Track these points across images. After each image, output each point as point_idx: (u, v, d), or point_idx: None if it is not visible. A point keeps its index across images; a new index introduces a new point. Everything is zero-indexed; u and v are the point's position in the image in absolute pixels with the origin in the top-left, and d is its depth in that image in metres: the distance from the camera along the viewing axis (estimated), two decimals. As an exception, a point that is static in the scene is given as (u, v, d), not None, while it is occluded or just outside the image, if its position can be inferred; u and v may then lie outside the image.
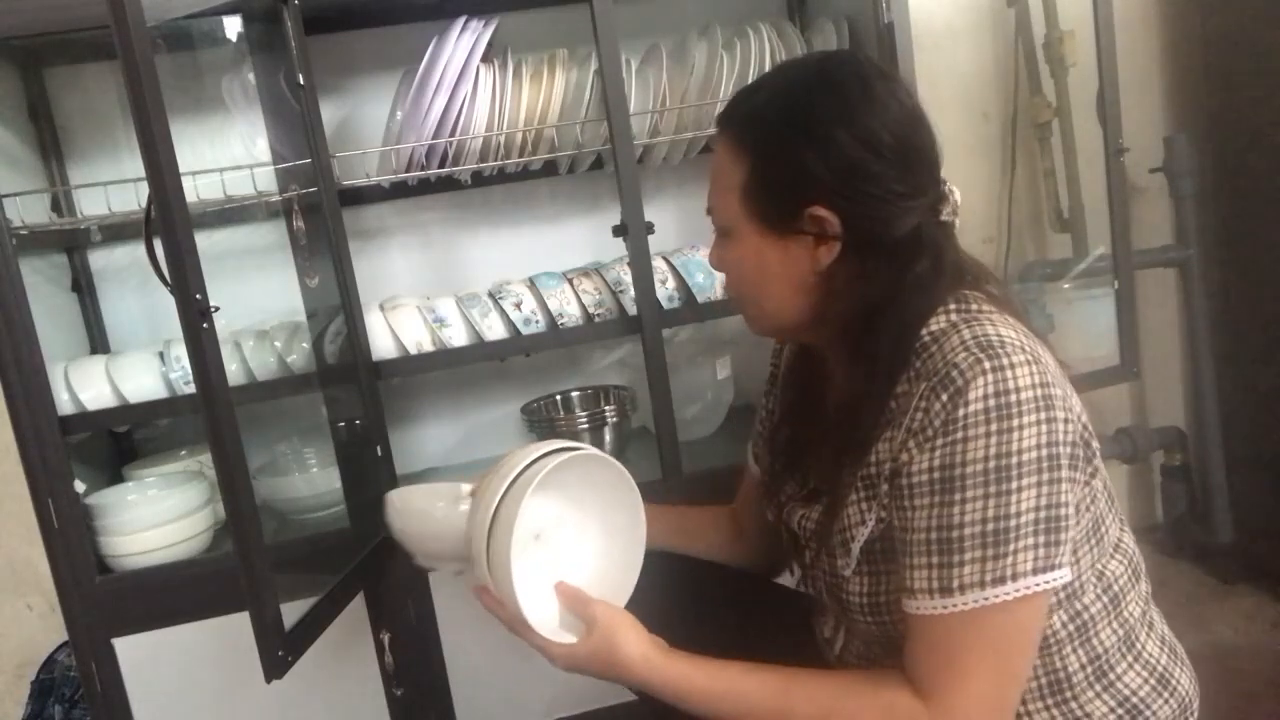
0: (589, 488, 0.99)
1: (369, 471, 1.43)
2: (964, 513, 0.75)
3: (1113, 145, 1.70)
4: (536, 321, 1.53)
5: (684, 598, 1.13)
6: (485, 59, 1.47)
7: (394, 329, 1.50)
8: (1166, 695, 0.88)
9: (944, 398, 0.76)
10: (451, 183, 1.67)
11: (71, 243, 1.64)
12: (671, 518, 1.18)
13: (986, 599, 0.74)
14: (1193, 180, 1.98)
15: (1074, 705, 0.85)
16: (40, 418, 1.29)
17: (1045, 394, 0.75)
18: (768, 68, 1.55)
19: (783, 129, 0.85)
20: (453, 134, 1.46)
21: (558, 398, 1.82)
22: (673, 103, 1.56)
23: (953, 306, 0.83)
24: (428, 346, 1.52)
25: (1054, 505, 0.75)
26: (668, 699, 0.87)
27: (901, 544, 0.80)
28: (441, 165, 1.51)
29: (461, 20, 1.44)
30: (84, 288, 1.65)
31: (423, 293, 1.70)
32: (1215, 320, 2.03)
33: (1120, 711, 0.86)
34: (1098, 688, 0.86)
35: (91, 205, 1.53)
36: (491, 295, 1.55)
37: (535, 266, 1.66)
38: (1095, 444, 0.83)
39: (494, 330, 1.52)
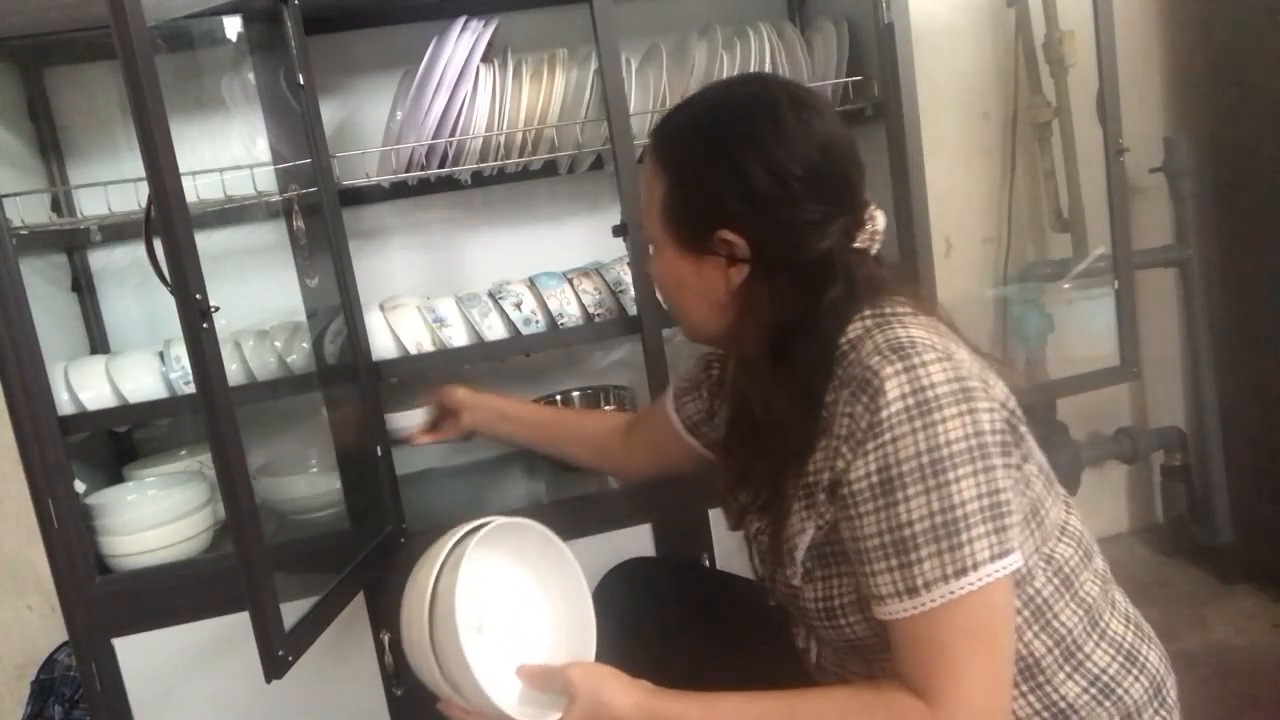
0: (512, 558, 0.98)
1: (369, 471, 1.43)
2: (909, 510, 0.76)
3: (1113, 145, 1.70)
4: (536, 321, 1.53)
5: (659, 616, 1.15)
6: (485, 59, 1.47)
7: (394, 329, 1.50)
8: (1136, 672, 0.89)
9: (864, 399, 0.78)
10: (451, 183, 1.67)
11: (71, 243, 1.64)
12: (551, 422, 1.41)
13: (953, 592, 0.76)
14: (1193, 180, 1.98)
15: (1048, 689, 0.87)
16: (40, 418, 1.29)
17: (961, 387, 0.77)
18: (768, 68, 1.55)
19: (696, 153, 0.87)
20: (453, 134, 1.46)
21: (558, 398, 1.82)
22: (673, 103, 1.55)
23: (868, 313, 0.85)
24: (428, 346, 1.52)
25: (993, 492, 0.77)
26: None
27: (857, 556, 0.81)
28: (441, 165, 1.51)
29: (461, 20, 1.44)
30: (84, 288, 1.65)
31: (423, 293, 1.70)
32: (1215, 320, 2.03)
33: (1093, 691, 0.87)
34: (1068, 669, 0.87)
35: (91, 205, 1.53)
36: (491, 295, 1.55)
37: (535, 266, 1.66)
38: (1024, 428, 0.85)
39: (494, 330, 1.52)
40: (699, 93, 0.94)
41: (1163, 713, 0.91)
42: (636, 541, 1.48)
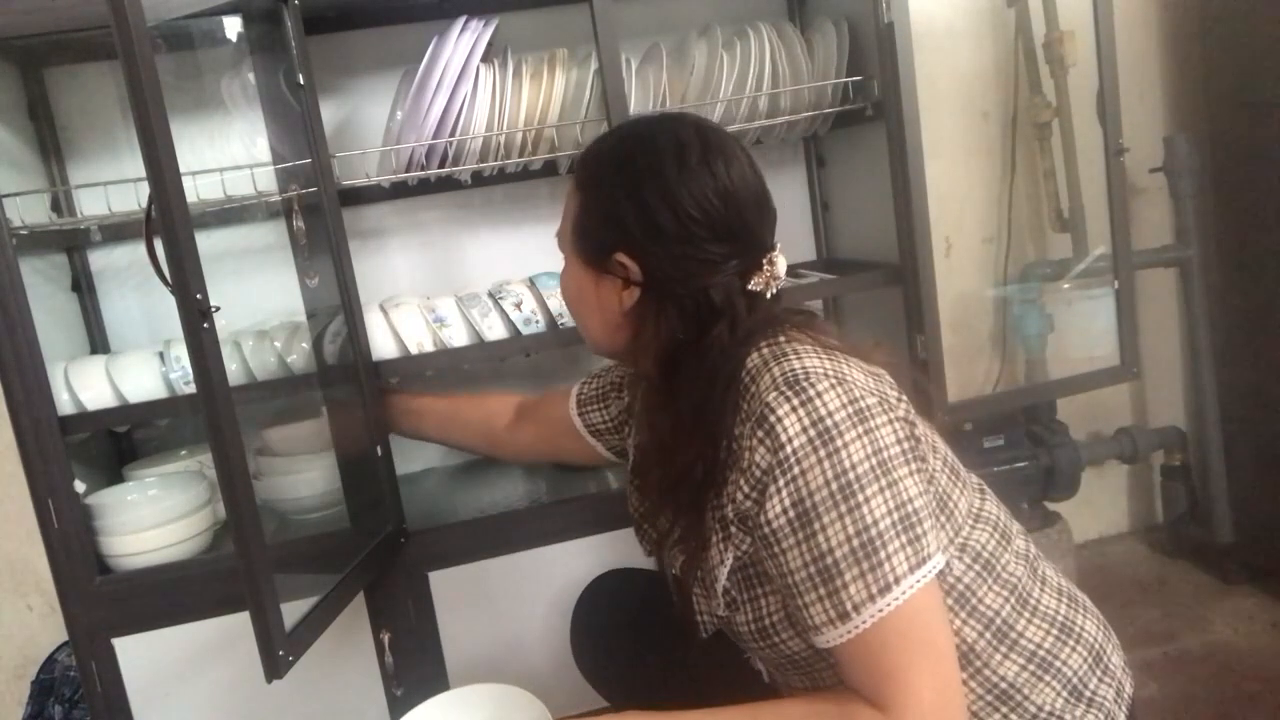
0: None
1: (369, 471, 1.43)
2: (828, 538, 0.79)
3: (1113, 145, 1.70)
4: (536, 321, 1.53)
5: (630, 631, 1.17)
6: (485, 59, 1.47)
7: (394, 329, 1.50)
8: (1072, 643, 0.92)
9: (760, 435, 0.81)
10: (451, 183, 1.67)
11: (71, 243, 1.64)
12: (448, 412, 1.45)
13: (881, 611, 0.78)
14: (1193, 180, 1.98)
15: (986, 672, 0.88)
16: (40, 418, 1.29)
17: (856, 409, 0.80)
18: (767, 68, 1.55)
19: (609, 177, 0.92)
20: (453, 134, 1.46)
21: (558, 398, 1.82)
22: (673, 103, 1.56)
23: (764, 344, 0.88)
24: (428, 346, 1.52)
25: (902, 505, 0.80)
26: None
27: (787, 591, 0.83)
28: (441, 165, 1.51)
29: (461, 20, 1.44)
30: (84, 288, 1.65)
31: (423, 293, 1.70)
32: (1215, 320, 2.03)
33: (1031, 667, 0.89)
34: (1003, 649, 0.89)
35: (91, 205, 1.53)
36: (491, 295, 1.55)
37: (535, 266, 1.66)
38: (920, 428, 0.87)
39: (494, 330, 1.52)
40: (628, 121, 1.00)
41: (1107, 679, 0.93)
42: (635, 542, 1.48)
